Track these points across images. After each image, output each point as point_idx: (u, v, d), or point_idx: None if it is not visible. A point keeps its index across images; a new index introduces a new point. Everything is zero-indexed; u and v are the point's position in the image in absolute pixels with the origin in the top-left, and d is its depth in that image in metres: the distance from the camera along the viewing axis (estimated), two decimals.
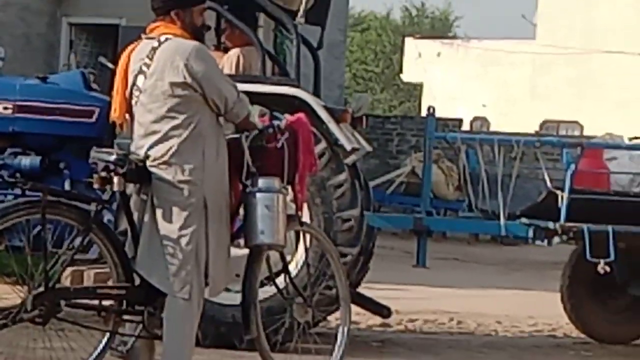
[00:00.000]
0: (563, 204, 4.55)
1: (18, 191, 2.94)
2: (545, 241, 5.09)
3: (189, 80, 2.56)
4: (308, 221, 3.76)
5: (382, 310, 4.81)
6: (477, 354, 4.82)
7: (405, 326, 5.78)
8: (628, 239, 4.81)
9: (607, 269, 4.50)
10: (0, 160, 4.41)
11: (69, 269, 3.40)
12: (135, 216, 2.70)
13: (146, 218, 2.64)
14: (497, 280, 8.96)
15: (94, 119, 4.39)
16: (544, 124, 20.18)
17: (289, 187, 2.93)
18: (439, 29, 36.23)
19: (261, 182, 2.80)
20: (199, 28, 2.78)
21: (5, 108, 4.43)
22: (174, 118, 2.60)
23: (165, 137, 2.59)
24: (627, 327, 5.45)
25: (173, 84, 2.57)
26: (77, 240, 2.68)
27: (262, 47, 4.55)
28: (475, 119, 19.98)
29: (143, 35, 2.75)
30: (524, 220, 4.81)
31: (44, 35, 11.97)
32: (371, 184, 5.61)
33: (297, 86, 4.46)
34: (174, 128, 2.59)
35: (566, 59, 22.18)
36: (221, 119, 2.76)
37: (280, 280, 3.15)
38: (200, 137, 2.63)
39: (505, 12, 70.17)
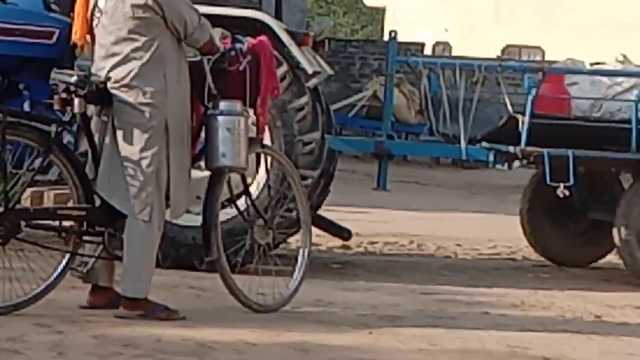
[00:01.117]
0: (524, 129, 4.58)
1: None
2: (506, 165, 5.18)
3: (150, 2, 2.56)
4: (269, 144, 3.79)
5: (342, 233, 4.95)
6: (437, 276, 4.86)
7: (366, 248, 5.87)
8: (587, 163, 4.94)
9: (567, 193, 4.59)
10: None
11: (29, 190, 3.35)
12: (96, 138, 2.71)
13: (107, 140, 2.67)
14: (457, 203, 9.14)
15: (53, 40, 4.31)
16: (506, 48, 20.15)
17: (251, 110, 2.98)
18: None
19: (223, 104, 2.84)
20: None
21: None
22: (134, 40, 2.60)
23: (126, 59, 2.60)
24: (586, 250, 5.61)
25: (134, 6, 2.57)
26: (37, 162, 2.70)
27: None
28: (438, 43, 19.84)
29: None
30: (484, 144, 4.85)
31: None
32: (333, 107, 5.60)
33: (259, 9, 4.44)
34: (134, 50, 2.60)
35: None
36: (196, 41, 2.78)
37: (241, 203, 3.23)
38: (162, 60, 2.64)
39: None
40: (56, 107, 2.83)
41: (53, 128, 2.68)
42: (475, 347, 2.72)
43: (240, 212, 3.22)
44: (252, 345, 2.51)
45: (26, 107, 4.19)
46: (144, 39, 2.61)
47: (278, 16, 4.71)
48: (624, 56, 5.47)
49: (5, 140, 2.54)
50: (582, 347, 2.91)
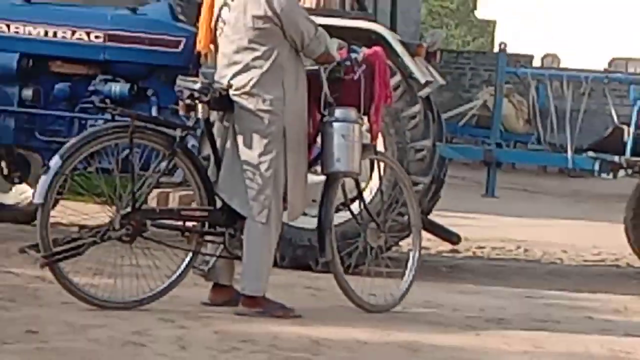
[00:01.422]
0: (629, 139, 4.71)
1: (108, 116, 3.01)
2: (611, 174, 5.27)
3: (269, 13, 2.65)
4: (383, 150, 3.87)
5: (451, 237, 4.94)
6: (542, 281, 4.93)
7: (474, 253, 5.95)
8: None
9: None
10: (91, 86, 4.58)
11: (155, 191, 3.52)
12: (218, 142, 2.83)
13: (228, 144, 2.77)
14: (563, 211, 9.09)
15: (180, 49, 4.46)
16: (612, 61, 19.55)
17: (365, 118, 3.03)
18: None
19: (338, 112, 2.90)
20: None
21: (97, 37, 4.54)
22: (255, 50, 2.69)
23: (246, 68, 2.69)
24: None
25: (254, 17, 2.66)
26: (163, 164, 2.82)
27: None
28: (546, 55, 19.41)
29: None
30: (590, 153, 4.99)
31: None
32: (444, 116, 5.72)
33: (374, 20, 4.60)
34: (255, 59, 2.68)
35: None
36: (311, 52, 2.85)
37: (355, 206, 3.29)
38: (280, 69, 2.72)
39: None
40: (181, 112, 2.95)
41: (178, 132, 2.79)
42: (579, 351, 2.74)
43: (354, 216, 3.29)
44: (364, 343, 2.56)
45: (153, 112, 4.35)
46: (263, 48, 2.69)
47: (392, 28, 4.82)
48: None
49: (133, 143, 2.67)
50: None
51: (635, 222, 5.42)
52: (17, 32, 4.65)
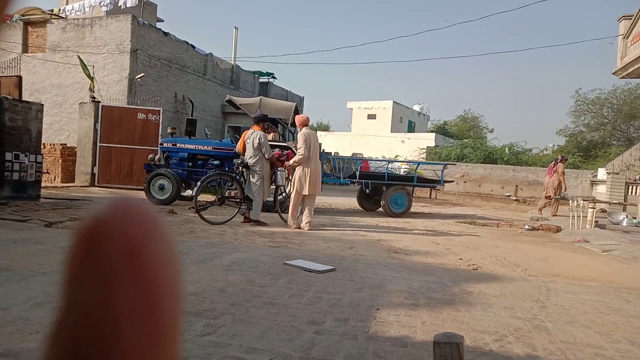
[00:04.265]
0: None
1: (212, 171, 10.39)
2: None
3: (256, 144, 9.73)
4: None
5: None
6: None
7: None
8: None
9: None
10: (209, 162, 12.20)
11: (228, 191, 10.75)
12: (245, 177, 10.04)
13: (247, 177, 9.95)
14: None
15: (234, 151, 11.41)
16: None
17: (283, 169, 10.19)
18: None
19: (279, 170, 10.05)
20: (266, 128, 9.98)
21: (208, 147, 12.45)
22: (255, 154, 9.73)
23: (252, 158, 9.73)
24: None
25: (254, 143, 9.74)
26: (229, 184, 10.04)
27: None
28: None
29: (250, 129, 9.97)
30: None
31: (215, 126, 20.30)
32: None
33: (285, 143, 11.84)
34: (254, 156, 9.70)
35: None
36: (267, 155, 9.79)
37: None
38: (262, 159, 9.73)
39: None
40: (235, 169, 10.19)
41: (234, 175, 9.99)
42: None
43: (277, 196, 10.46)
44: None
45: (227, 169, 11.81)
46: (257, 153, 9.66)
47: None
48: None
49: (221, 177, 9.95)
50: None
51: None
52: (187, 147, 12.38)
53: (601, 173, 19.55)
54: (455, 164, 22.39)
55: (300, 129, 9.57)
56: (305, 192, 9.32)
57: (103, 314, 0.23)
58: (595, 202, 12.27)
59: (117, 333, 0.23)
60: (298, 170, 9.36)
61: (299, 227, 9.43)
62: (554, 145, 46.84)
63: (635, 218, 13.20)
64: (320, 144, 10.56)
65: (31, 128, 11.09)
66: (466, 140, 39.72)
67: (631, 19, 19.54)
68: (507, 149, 34.74)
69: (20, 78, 12.40)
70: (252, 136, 9.57)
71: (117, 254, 0.24)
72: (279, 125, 12.94)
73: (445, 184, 14.73)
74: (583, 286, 5.88)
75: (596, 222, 11.84)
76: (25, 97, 13.09)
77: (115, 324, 0.23)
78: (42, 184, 11.87)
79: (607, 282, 6.32)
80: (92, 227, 0.25)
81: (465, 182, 26.94)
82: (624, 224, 12.87)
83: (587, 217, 11.76)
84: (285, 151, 10.52)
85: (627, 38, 19.76)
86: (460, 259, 7.34)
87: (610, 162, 23.60)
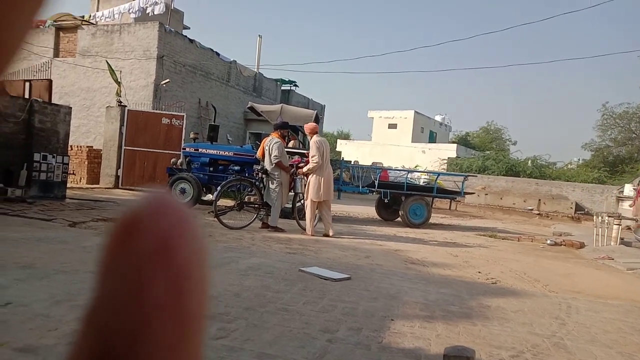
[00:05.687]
0: None
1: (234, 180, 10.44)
2: None
3: (272, 152, 9.78)
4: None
5: None
6: None
7: None
8: None
9: None
10: (230, 167, 12.26)
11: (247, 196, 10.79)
12: (264, 183, 10.10)
13: (266, 183, 9.99)
14: None
15: (254, 158, 11.44)
16: None
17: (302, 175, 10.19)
18: None
19: (298, 178, 10.10)
20: (285, 135, 10.07)
21: (229, 152, 12.74)
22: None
23: (270, 164, 9.82)
24: None
25: (272, 151, 9.76)
26: (248, 189, 10.06)
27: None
28: None
29: (269, 136, 10.02)
30: None
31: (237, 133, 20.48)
32: None
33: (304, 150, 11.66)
34: (275, 167, 9.77)
35: None
36: (272, 160, 9.79)
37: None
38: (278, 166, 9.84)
39: None
40: (255, 174, 10.24)
41: (254, 181, 10.04)
42: None
43: (295, 203, 10.44)
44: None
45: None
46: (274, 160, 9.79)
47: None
48: None
49: (241, 183, 9.98)
50: None
51: None
52: (209, 152, 12.53)
53: (628, 189, 19.23)
54: (477, 176, 22.23)
55: (311, 137, 9.75)
56: (321, 198, 9.41)
57: (134, 303, 0.24)
58: (621, 219, 12.05)
59: (146, 323, 0.24)
60: (311, 178, 9.50)
61: (314, 235, 9.46)
62: (578, 159, 46.31)
63: None
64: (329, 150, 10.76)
65: (59, 130, 11.34)
66: (488, 152, 39.45)
67: None
68: (530, 161, 34.38)
69: (50, 81, 12.66)
70: (270, 143, 9.63)
71: (151, 247, 0.25)
72: (299, 132, 13.02)
73: (465, 196, 14.62)
74: (606, 304, 5.77)
75: (621, 239, 11.64)
76: (54, 100, 13.30)
77: (145, 313, 0.24)
78: (68, 185, 12.15)
79: (632, 301, 6.20)
80: (129, 219, 0.25)
81: (486, 194, 26.68)
82: None
83: (612, 233, 11.56)
84: (304, 159, 10.56)
85: None
86: (479, 272, 7.27)
87: (637, 177, 23.25)
